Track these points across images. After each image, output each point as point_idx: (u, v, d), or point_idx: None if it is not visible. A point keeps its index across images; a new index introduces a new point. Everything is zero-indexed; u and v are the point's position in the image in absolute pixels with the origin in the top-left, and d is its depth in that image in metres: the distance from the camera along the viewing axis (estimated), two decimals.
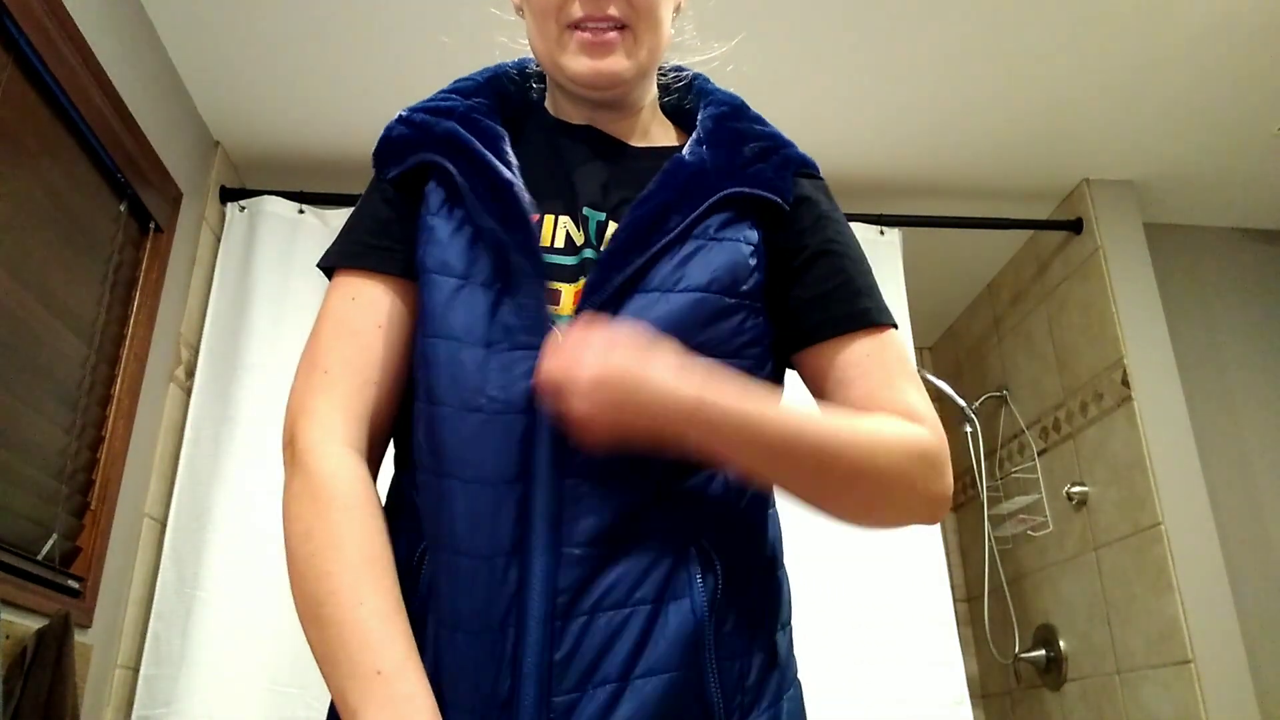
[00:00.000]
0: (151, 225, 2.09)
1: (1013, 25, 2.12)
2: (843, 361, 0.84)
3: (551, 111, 0.96)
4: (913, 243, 2.54)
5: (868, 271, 0.89)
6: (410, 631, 0.72)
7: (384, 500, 0.82)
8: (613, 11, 0.85)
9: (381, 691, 0.67)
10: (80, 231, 1.82)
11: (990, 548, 2.87)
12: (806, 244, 0.87)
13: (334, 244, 0.88)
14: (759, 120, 0.93)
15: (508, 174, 0.83)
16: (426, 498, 0.77)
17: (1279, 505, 2.56)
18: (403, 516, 0.81)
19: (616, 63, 0.87)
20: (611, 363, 0.70)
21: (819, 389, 0.87)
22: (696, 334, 0.79)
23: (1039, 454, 2.83)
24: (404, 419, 0.84)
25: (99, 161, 1.87)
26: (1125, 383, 2.45)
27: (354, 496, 0.76)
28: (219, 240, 2.37)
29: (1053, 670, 2.71)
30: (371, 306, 0.83)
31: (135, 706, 1.91)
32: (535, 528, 0.73)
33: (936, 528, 2.29)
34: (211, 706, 1.91)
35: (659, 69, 0.98)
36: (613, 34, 0.86)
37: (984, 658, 3.05)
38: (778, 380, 0.89)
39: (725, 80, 1.01)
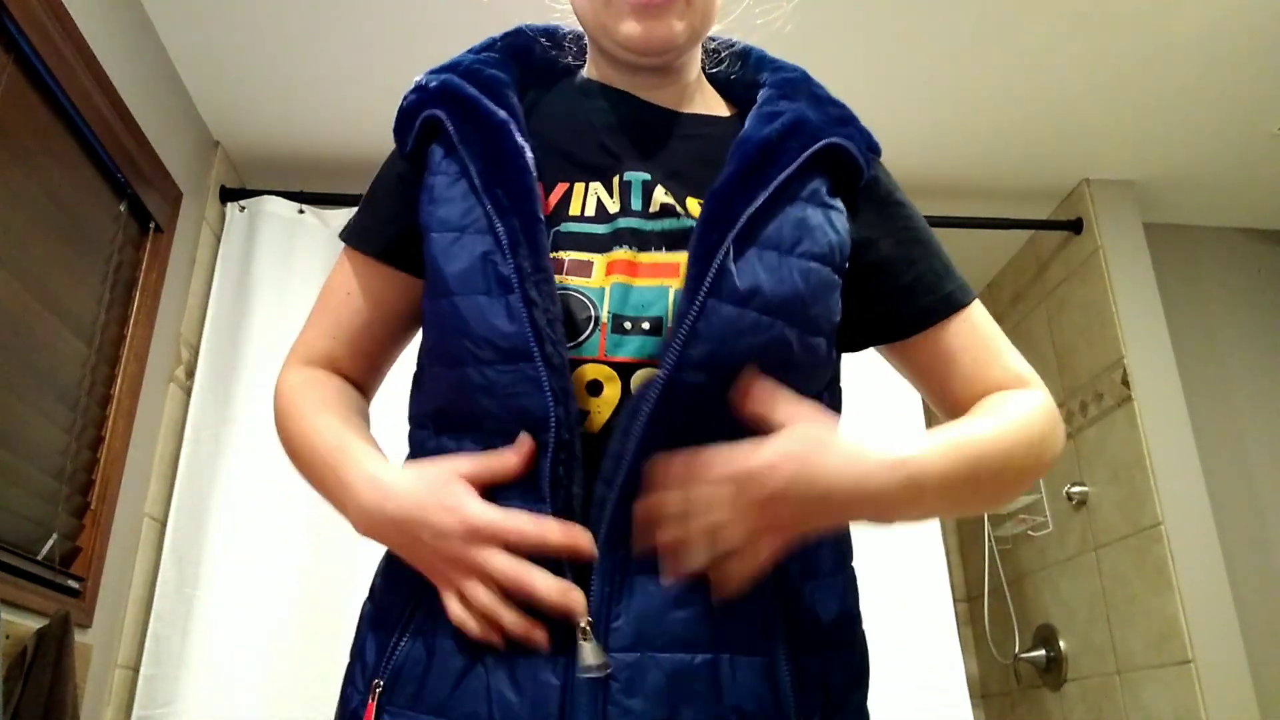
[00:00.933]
0: (151, 225, 2.09)
1: (1013, 25, 2.12)
2: (943, 349, 0.84)
3: (593, 78, 0.92)
4: None
5: (940, 248, 0.87)
6: (350, 429, 0.81)
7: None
8: None
9: (333, 475, 0.78)
10: (80, 231, 1.82)
11: (990, 548, 2.87)
12: (884, 227, 0.85)
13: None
14: (827, 91, 0.90)
15: (501, 114, 0.80)
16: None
17: (1279, 505, 2.56)
18: None
19: (670, 26, 0.82)
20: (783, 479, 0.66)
21: (918, 373, 0.87)
22: (813, 307, 0.75)
23: None
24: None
25: (99, 161, 1.87)
26: (1125, 383, 2.45)
27: (308, 380, 0.86)
28: (219, 240, 2.37)
29: (1053, 670, 2.71)
30: (347, 278, 0.89)
31: (135, 706, 1.91)
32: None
33: (937, 528, 2.29)
34: (211, 706, 1.91)
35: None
36: None
37: (984, 658, 3.05)
38: (835, 362, 0.86)
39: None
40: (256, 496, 2.05)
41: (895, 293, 0.83)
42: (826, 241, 0.78)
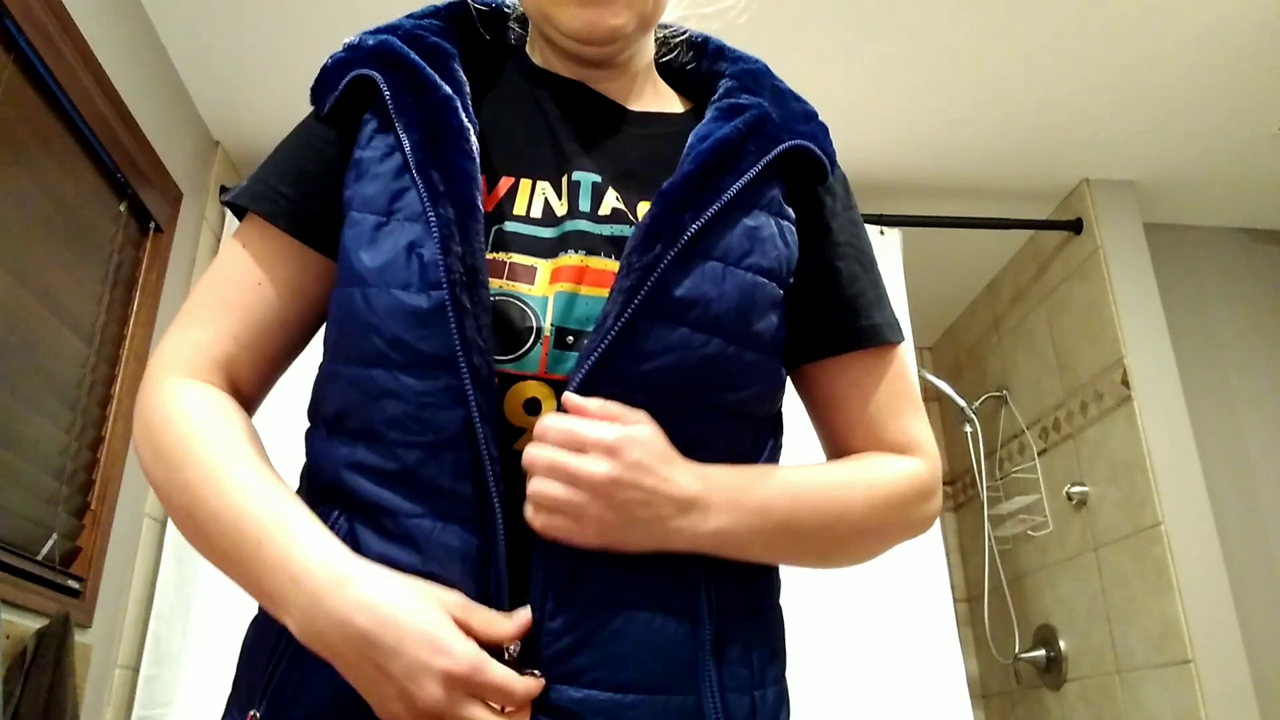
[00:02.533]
0: (151, 225, 2.09)
1: (1013, 25, 2.12)
2: (845, 380, 0.79)
3: (537, 63, 0.84)
4: (913, 243, 2.54)
5: (879, 278, 0.82)
6: (284, 487, 0.66)
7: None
8: None
9: (270, 554, 0.62)
10: (80, 231, 1.82)
11: (990, 548, 2.87)
12: (826, 241, 0.79)
13: (249, 178, 0.78)
14: (788, 86, 0.84)
15: (445, 88, 0.72)
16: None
17: (1279, 505, 2.56)
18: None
19: (615, 15, 0.75)
20: (629, 463, 0.63)
21: (819, 401, 0.82)
22: (756, 321, 0.70)
23: (1039, 454, 2.83)
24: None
25: (99, 161, 1.87)
26: (1125, 383, 2.45)
27: (193, 406, 0.69)
28: (219, 240, 2.37)
29: (1053, 670, 2.71)
30: (256, 260, 0.74)
31: (135, 706, 1.91)
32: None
33: (937, 528, 2.29)
34: (211, 706, 1.91)
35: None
36: None
37: (984, 658, 3.05)
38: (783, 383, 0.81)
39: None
40: None
41: (829, 306, 0.78)
42: (775, 255, 0.73)
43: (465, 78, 0.75)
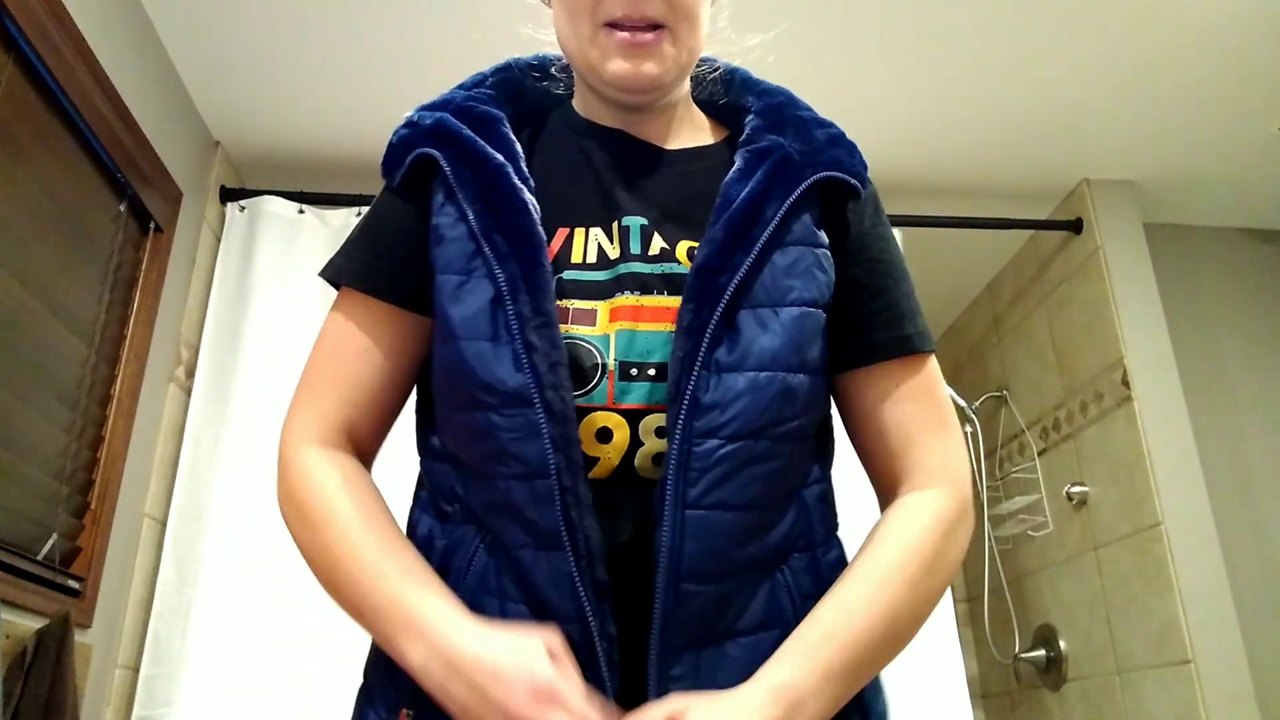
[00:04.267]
0: (151, 225, 2.09)
1: (1013, 25, 2.12)
2: (874, 393, 0.82)
3: (580, 111, 0.91)
4: (913, 243, 2.53)
5: (910, 290, 0.86)
6: (411, 551, 0.75)
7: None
8: (651, 12, 0.79)
9: (398, 612, 0.71)
10: (80, 231, 1.82)
11: (990, 548, 2.87)
12: (855, 257, 0.83)
13: (338, 253, 0.87)
14: (812, 110, 0.89)
15: (498, 157, 0.79)
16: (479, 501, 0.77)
17: (1279, 505, 2.56)
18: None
19: (656, 65, 0.82)
20: None
21: (846, 415, 0.86)
22: (808, 350, 0.76)
23: (1039, 454, 2.83)
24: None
25: (99, 161, 1.87)
26: (1125, 383, 2.45)
27: (330, 476, 0.79)
28: (219, 240, 2.37)
29: (1053, 670, 2.71)
30: (361, 329, 0.83)
31: (135, 706, 1.91)
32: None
33: None
34: (211, 706, 1.91)
35: None
36: (650, 34, 0.80)
37: (984, 658, 3.05)
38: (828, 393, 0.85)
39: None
40: (256, 496, 2.05)
41: (857, 320, 0.82)
42: (816, 285, 0.78)
43: (515, 138, 0.82)
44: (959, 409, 2.98)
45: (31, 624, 1.53)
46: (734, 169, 0.81)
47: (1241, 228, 2.87)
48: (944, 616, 2.18)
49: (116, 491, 1.90)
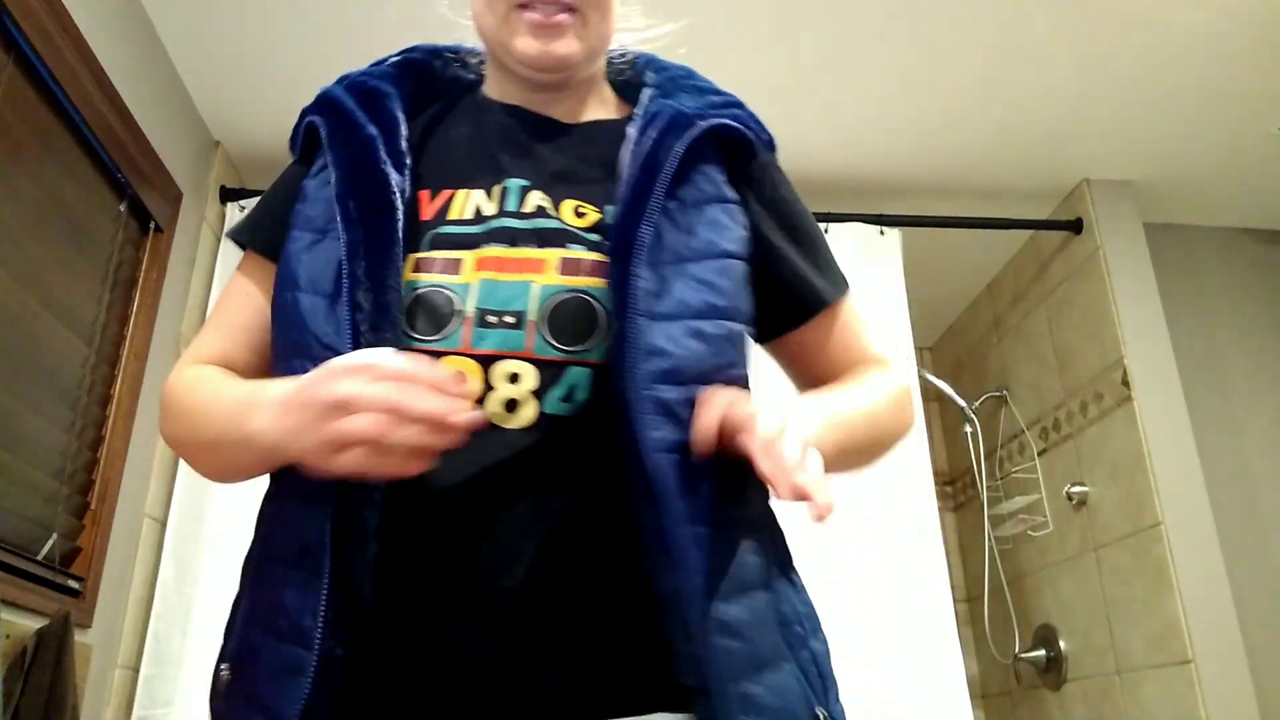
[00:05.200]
0: (151, 225, 2.09)
1: (1013, 25, 2.12)
2: (807, 344, 0.90)
3: (489, 93, 0.95)
4: (913, 243, 2.54)
5: (816, 242, 0.92)
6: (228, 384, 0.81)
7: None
8: None
9: (241, 405, 0.75)
10: (80, 231, 1.82)
11: (990, 548, 2.87)
12: (772, 216, 0.88)
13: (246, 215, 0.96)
14: (714, 85, 0.92)
15: (370, 129, 0.83)
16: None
17: (1279, 505, 2.56)
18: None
19: (566, 45, 0.86)
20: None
21: (785, 366, 0.93)
22: (738, 301, 0.80)
23: (1039, 454, 2.83)
24: None
25: (99, 161, 1.87)
26: (1125, 383, 2.45)
27: (202, 372, 0.85)
28: (219, 240, 2.37)
29: (1053, 670, 2.71)
30: (247, 278, 0.90)
31: (135, 706, 1.91)
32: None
33: (936, 528, 2.29)
34: None
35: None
36: (563, 16, 0.85)
37: (984, 658, 3.06)
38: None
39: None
40: (256, 496, 2.04)
41: (772, 288, 0.87)
42: (734, 236, 0.82)
43: (401, 114, 0.86)
44: (959, 409, 2.98)
45: (31, 624, 1.53)
46: (628, 138, 0.84)
47: (1241, 228, 2.87)
48: (944, 616, 2.18)
49: (116, 491, 1.90)
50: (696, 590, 0.68)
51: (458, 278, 0.77)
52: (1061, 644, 2.69)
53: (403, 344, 0.73)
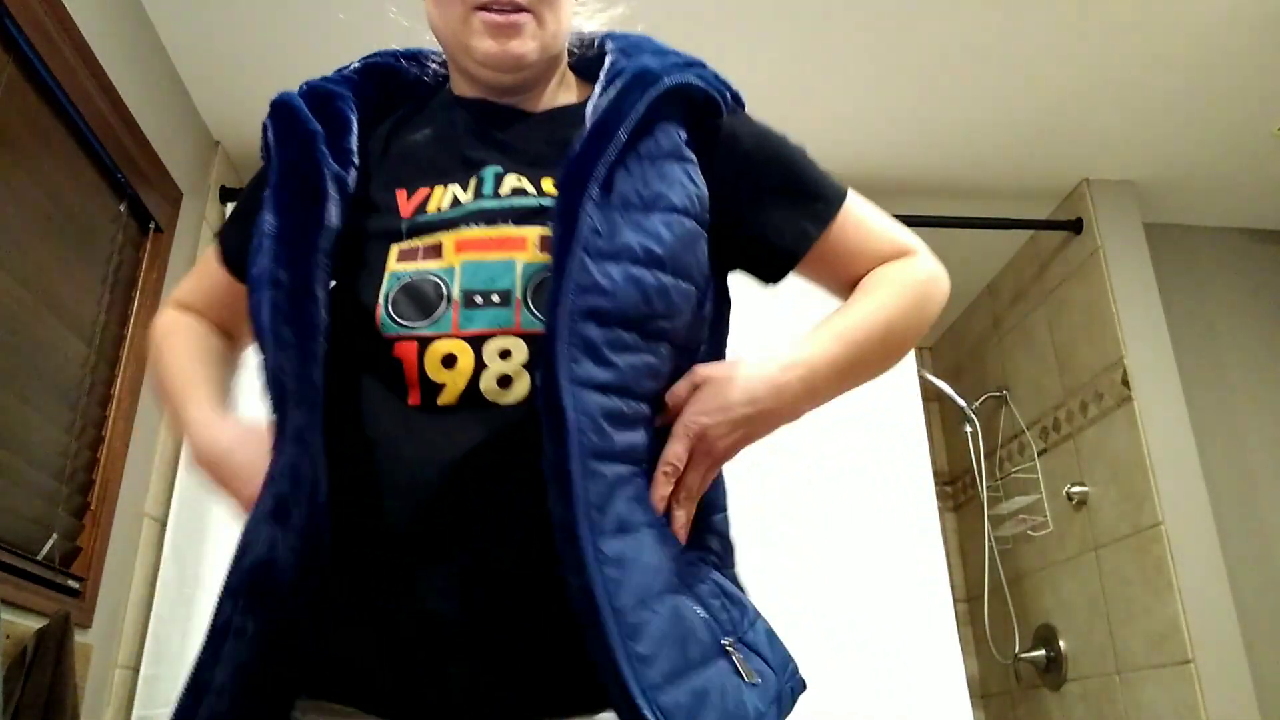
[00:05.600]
0: (151, 225, 2.09)
1: (1013, 26, 2.12)
2: (828, 257, 0.91)
3: (457, 93, 0.97)
4: None
5: (800, 162, 0.92)
6: (199, 373, 0.93)
7: None
8: None
9: (183, 411, 0.90)
10: (80, 231, 1.82)
11: (990, 548, 2.87)
12: (741, 173, 0.89)
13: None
14: (676, 51, 0.93)
15: (312, 125, 0.85)
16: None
17: (1279, 505, 2.56)
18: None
19: (522, 45, 0.87)
20: (736, 408, 0.78)
21: (821, 283, 0.94)
22: (681, 257, 0.79)
23: (1039, 454, 2.83)
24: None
25: (99, 161, 1.87)
26: (1125, 383, 2.45)
27: (178, 323, 0.98)
28: None
29: (1053, 670, 2.71)
30: (212, 260, 0.99)
31: (135, 706, 1.91)
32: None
33: (936, 528, 2.29)
34: None
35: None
36: (518, 15, 0.86)
37: (984, 658, 3.05)
38: (723, 297, 0.92)
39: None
40: None
41: (770, 220, 0.89)
42: (685, 194, 0.82)
43: (354, 116, 0.89)
44: (959, 409, 2.98)
45: (31, 624, 1.53)
46: (594, 95, 0.85)
47: (1241, 228, 2.87)
48: (944, 616, 2.18)
49: (116, 491, 1.90)
50: (585, 522, 0.68)
51: (440, 262, 0.78)
52: (1061, 644, 2.69)
53: (319, 317, 0.76)
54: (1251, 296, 2.79)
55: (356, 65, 0.97)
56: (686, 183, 0.83)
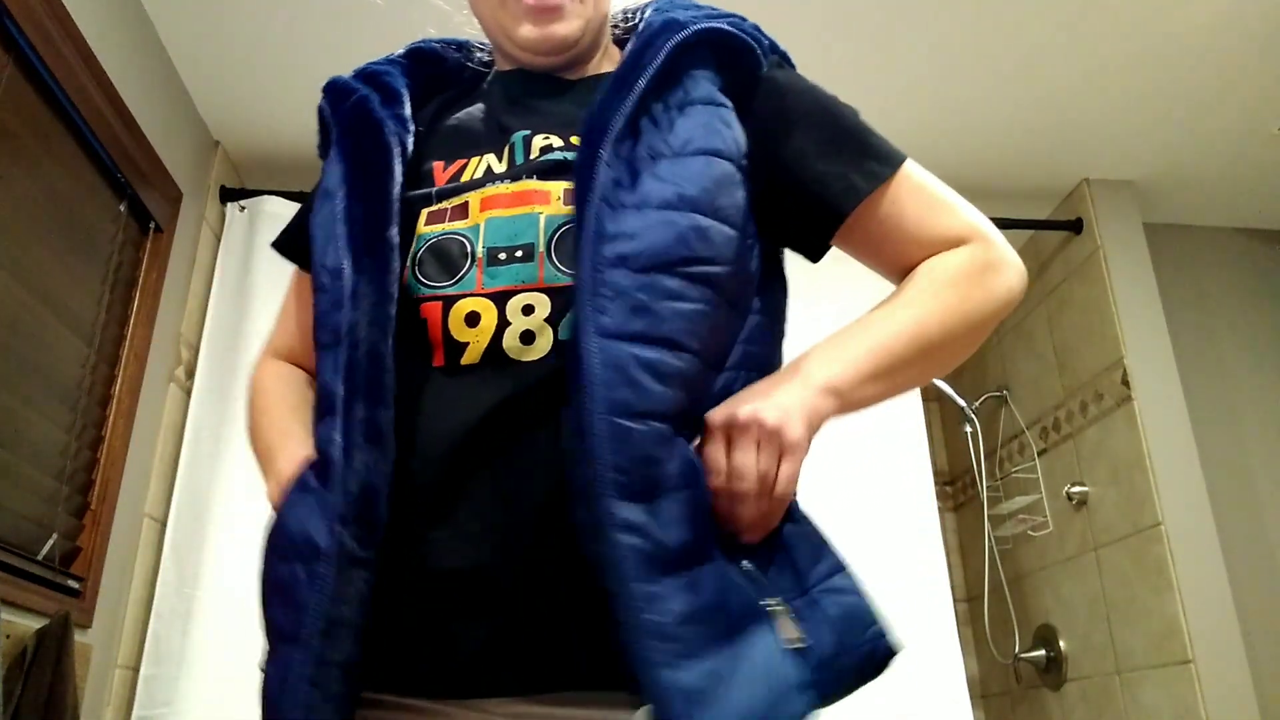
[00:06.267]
0: (151, 225, 2.09)
1: (1013, 25, 2.12)
2: (874, 222, 0.83)
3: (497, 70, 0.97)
4: None
5: (853, 123, 0.86)
6: (294, 428, 0.86)
7: None
8: None
9: (267, 461, 0.86)
10: (80, 231, 1.82)
11: (990, 548, 2.87)
12: (782, 125, 0.83)
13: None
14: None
15: (363, 89, 0.85)
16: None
17: (1279, 505, 2.56)
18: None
19: (565, 27, 0.86)
20: (788, 408, 0.72)
21: (864, 255, 0.87)
22: (717, 198, 0.75)
23: (1039, 454, 2.83)
24: None
25: (99, 161, 1.87)
26: (1125, 383, 2.45)
27: (272, 374, 0.94)
28: (219, 240, 2.37)
29: (1053, 670, 2.71)
30: (294, 287, 0.98)
31: (135, 706, 1.91)
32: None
33: (936, 528, 2.29)
34: (211, 706, 1.91)
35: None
36: None
37: (984, 658, 3.05)
38: (775, 263, 0.86)
39: None
40: (256, 496, 2.04)
41: (808, 181, 0.82)
42: (720, 137, 0.78)
43: (406, 92, 0.87)
44: (959, 409, 2.98)
45: (31, 624, 1.53)
46: (631, 41, 0.84)
47: (1241, 228, 2.87)
48: (944, 616, 2.18)
49: (116, 491, 1.90)
50: (605, 483, 0.64)
51: (465, 221, 0.77)
52: (1061, 644, 2.69)
53: (383, 305, 0.74)
54: (1251, 296, 2.79)
55: (402, 51, 0.96)
56: (721, 127, 0.79)
